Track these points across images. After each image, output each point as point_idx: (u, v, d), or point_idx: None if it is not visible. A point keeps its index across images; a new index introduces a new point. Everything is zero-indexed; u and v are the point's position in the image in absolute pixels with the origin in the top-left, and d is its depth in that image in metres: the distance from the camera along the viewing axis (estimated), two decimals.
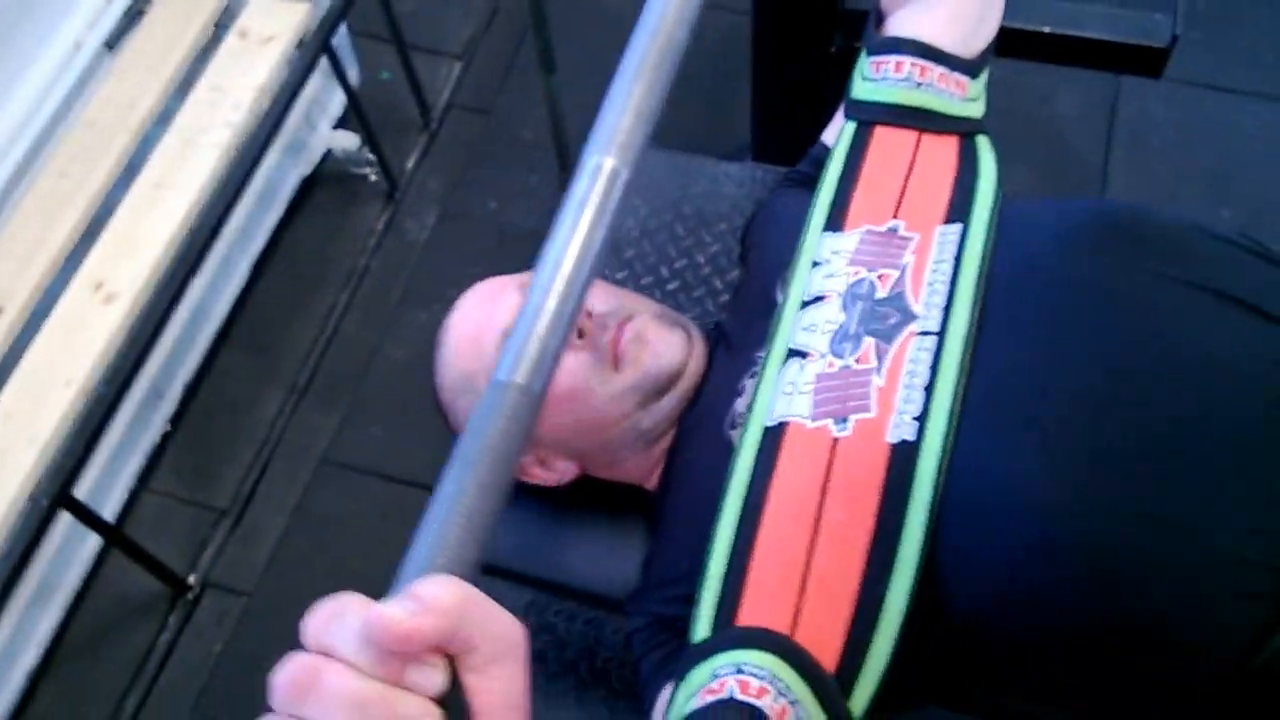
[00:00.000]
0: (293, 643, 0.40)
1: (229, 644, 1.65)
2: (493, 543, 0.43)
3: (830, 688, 0.61)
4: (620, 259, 1.17)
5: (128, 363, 1.38)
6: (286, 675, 0.37)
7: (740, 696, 0.58)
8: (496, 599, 0.40)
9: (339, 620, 0.38)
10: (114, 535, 1.52)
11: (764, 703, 0.58)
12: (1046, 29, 1.21)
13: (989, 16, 0.88)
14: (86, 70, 1.60)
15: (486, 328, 0.86)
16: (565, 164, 1.89)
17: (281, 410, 1.83)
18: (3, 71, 1.50)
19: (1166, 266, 0.70)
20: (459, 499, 0.42)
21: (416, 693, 0.37)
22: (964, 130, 0.84)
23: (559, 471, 0.90)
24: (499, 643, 0.39)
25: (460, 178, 2.03)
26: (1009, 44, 0.95)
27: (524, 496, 0.95)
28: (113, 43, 1.64)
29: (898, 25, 0.88)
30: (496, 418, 0.44)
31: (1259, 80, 2.00)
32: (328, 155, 1.99)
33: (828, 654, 0.62)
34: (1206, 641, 0.63)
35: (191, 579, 1.68)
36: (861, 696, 0.62)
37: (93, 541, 1.63)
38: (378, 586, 0.41)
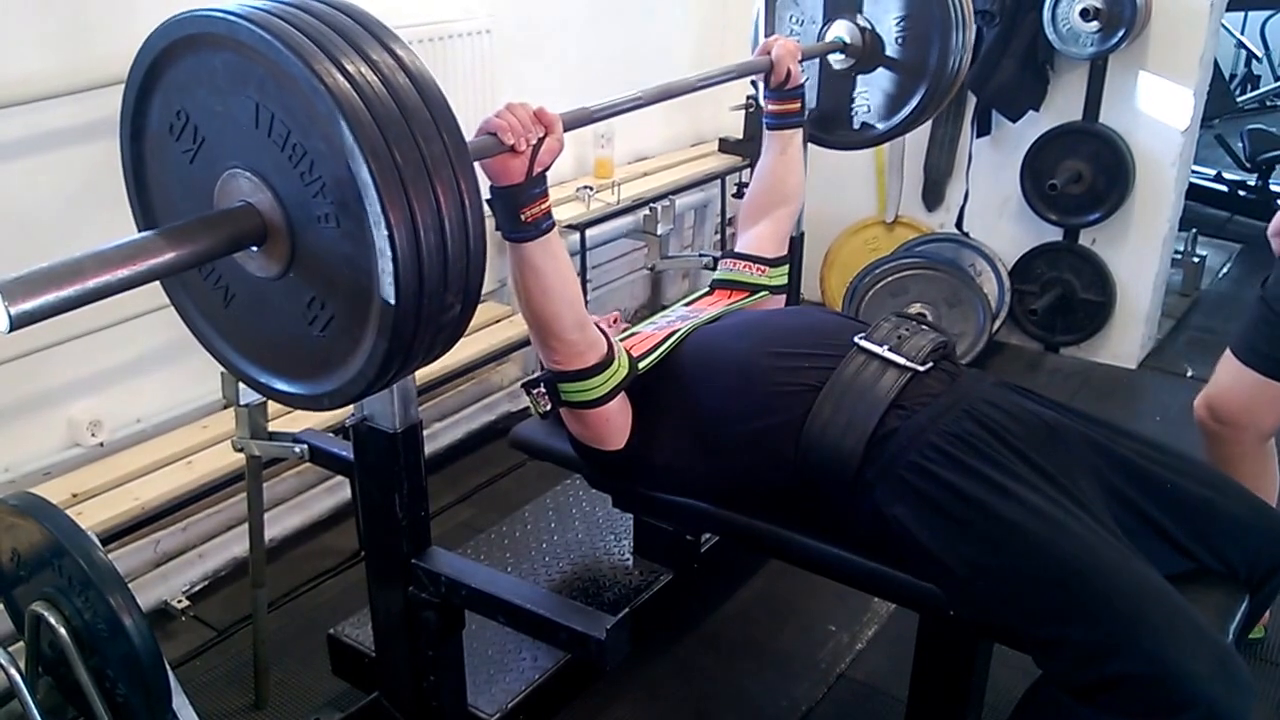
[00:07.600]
0: None
1: None
2: None
3: (632, 360, 1.65)
4: None
5: None
6: (503, 107, 1.34)
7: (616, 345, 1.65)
8: None
9: (521, 105, 1.36)
10: None
11: (617, 352, 1.62)
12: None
13: (785, 242, 2.06)
14: None
15: None
16: None
17: None
18: None
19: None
20: None
21: (535, 132, 1.35)
22: (753, 289, 2.00)
23: None
24: (560, 139, 1.39)
25: None
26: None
27: None
28: None
29: (739, 243, 2.07)
30: None
31: None
32: None
33: (637, 351, 1.69)
34: (783, 416, 1.58)
35: None
36: (645, 364, 1.67)
37: None
38: None
